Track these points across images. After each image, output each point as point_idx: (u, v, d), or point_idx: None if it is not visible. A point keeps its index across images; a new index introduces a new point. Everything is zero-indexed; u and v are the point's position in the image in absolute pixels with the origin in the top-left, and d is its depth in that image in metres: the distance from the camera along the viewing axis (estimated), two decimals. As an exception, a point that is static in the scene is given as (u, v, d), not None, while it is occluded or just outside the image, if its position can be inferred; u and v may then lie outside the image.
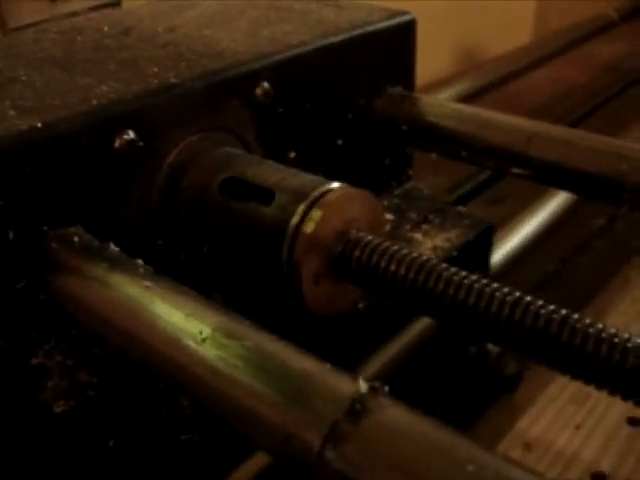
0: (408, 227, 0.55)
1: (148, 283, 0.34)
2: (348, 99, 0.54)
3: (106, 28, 0.52)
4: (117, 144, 0.40)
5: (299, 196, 0.39)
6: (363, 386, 0.27)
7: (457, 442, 0.25)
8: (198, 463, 0.41)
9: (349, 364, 0.31)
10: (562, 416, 0.58)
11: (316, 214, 0.38)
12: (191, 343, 0.31)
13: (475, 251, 0.55)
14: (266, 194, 0.40)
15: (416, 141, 0.57)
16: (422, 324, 0.53)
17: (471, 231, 0.55)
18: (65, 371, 0.40)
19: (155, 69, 0.44)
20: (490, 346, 0.58)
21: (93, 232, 0.39)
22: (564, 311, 0.34)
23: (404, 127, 0.55)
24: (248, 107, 0.46)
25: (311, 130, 0.51)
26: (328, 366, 0.29)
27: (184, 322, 0.32)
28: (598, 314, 0.69)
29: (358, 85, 0.54)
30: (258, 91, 0.46)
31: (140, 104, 0.41)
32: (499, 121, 0.53)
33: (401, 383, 0.47)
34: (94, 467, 0.40)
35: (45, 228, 0.38)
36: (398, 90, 0.57)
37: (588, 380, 0.33)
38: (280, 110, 0.48)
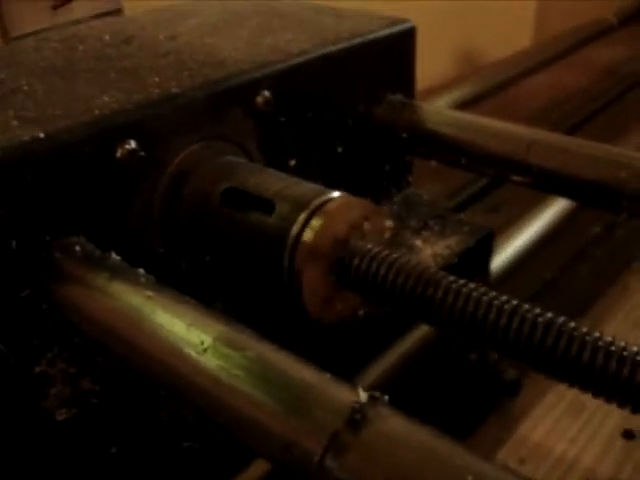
0: (408, 234, 0.56)
1: (150, 293, 0.35)
2: (348, 107, 0.54)
3: (107, 37, 0.53)
4: (119, 154, 0.40)
5: (300, 205, 0.39)
6: (363, 396, 0.27)
7: (456, 452, 0.25)
8: (199, 470, 0.41)
9: (349, 371, 0.31)
10: (557, 428, 0.58)
11: (316, 223, 0.38)
12: (192, 353, 0.31)
13: (475, 258, 0.55)
14: (267, 203, 0.40)
15: (416, 148, 0.57)
16: (421, 332, 0.54)
17: (471, 238, 0.55)
18: (68, 379, 0.40)
19: (156, 78, 0.45)
20: (490, 352, 0.58)
21: (95, 241, 0.39)
22: (561, 319, 0.34)
23: (404, 134, 0.55)
24: (249, 116, 0.47)
25: (312, 138, 0.52)
26: (328, 376, 0.29)
27: (185, 332, 0.32)
28: (597, 321, 0.69)
29: (358, 93, 0.54)
30: (259, 100, 0.47)
31: (142, 114, 0.41)
32: (499, 129, 0.53)
33: (401, 390, 0.48)
34: (96, 474, 0.40)
35: (48, 238, 0.38)
36: (398, 98, 0.57)
37: (585, 388, 0.33)
38: (281, 118, 0.49)
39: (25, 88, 0.43)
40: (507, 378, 0.58)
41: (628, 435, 0.57)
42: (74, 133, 0.38)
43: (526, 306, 0.35)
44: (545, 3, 1.80)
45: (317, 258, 0.39)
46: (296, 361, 0.30)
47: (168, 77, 0.45)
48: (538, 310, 0.35)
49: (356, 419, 0.26)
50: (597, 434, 0.57)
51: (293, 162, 0.50)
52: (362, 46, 0.53)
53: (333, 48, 0.51)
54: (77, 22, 0.58)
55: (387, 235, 0.44)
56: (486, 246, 0.57)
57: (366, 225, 0.40)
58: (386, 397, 0.28)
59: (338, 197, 0.39)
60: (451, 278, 0.37)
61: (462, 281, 0.37)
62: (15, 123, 0.39)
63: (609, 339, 0.33)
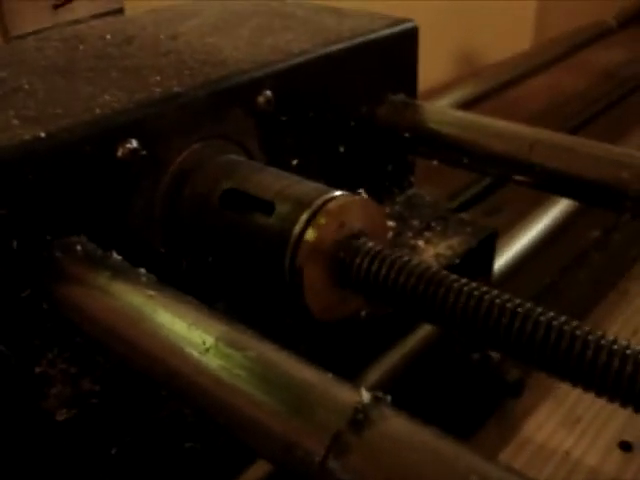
0: (410, 234, 0.55)
1: (151, 292, 0.35)
2: (350, 107, 0.54)
3: (109, 36, 0.53)
4: (120, 153, 0.40)
5: (301, 204, 0.39)
6: (366, 396, 0.27)
7: (460, 452, 0.25)
8: (201, 471, 0.41)
9: (350, 371, 0.31)
10: (553, 440, 0.57)
11: (318, 222, 0.38)
12: (194, 353, 0.31)
13: (478, 258, 0.55)
14: (268, 203, 0.40)
15: (418, 148, 0.57)
16: (423, 332, 0.53)
17: (473, 239, 0.55)
18: (68, 379, 0.40)
19: (158, 78, 0.44)
20: (492, 352, 0.58)
21: (96, 241, 0.39)
22: (563, 318, 0.34)
23: (406, 134, 0.55)
24: (250, 115, 0.46)
25: (313, 138, 0.52)
26: (330, 376, 0.29)
27: (187, 331, 0.32)
28: (597, 326, 0.69)
29: (360, 93, 0.54)
30: (260, 99, 0.47)
31: (143, 113, 0.41)
32: (501, 128, 0.53)
33: (403, 390, 0.48)
34: (96, 475, 0.40)
35: (49, 237, 0.38)
36: (400, 97, 0.57)
37: (588, 387, 0.33)
38: (282, 118, 0.49)
39: (26, 87, 0.43)
40: (510, 379, 0.57)
41: (625, 447, 0.56)
42: (75, 132, 0.38)
43: (528, 305, 0.35)
44: (545, 4, 1.80)
45: (319, 257, 0.38)
46: (298, 361, 0.30)
47: (169, 76, 0.45)
48: (540, 309, 0.35)
49: (359, 419, 0.26)
50: (593, 446, 0.56)
51: (295, 162, 0.50)
52: (364, 46, 0.53)
53: (335, 48, 0.51)
54: (78, 22, 0.57)
55: (389, 235, 0.43)
56: (489, 246, 0.57)
57: (368, 224, 0.40)
58: (389, 397, 0.28)
59: (340, 196, 0.39)
60: (453, 277, 0.37)
61: (464, 280, 0.37)
62: (16, 122, 0.38)
63: (611, 338, 0.33)
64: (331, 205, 0.39)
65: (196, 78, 0.45)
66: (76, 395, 0.40)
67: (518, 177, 0.52)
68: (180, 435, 0.40)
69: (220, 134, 0.45)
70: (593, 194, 0.49)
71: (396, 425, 0.26)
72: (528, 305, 0.35)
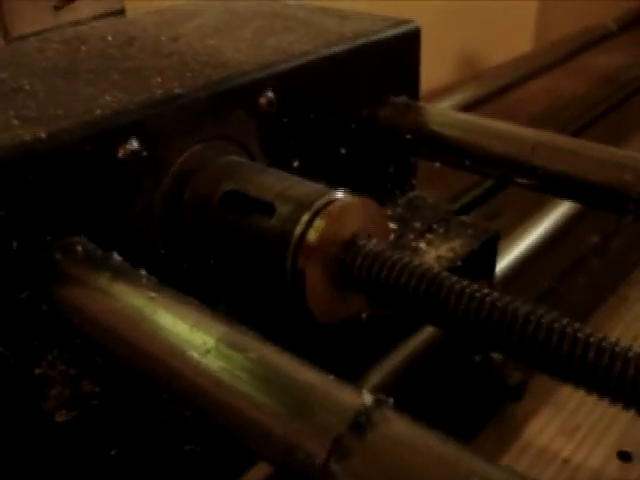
0: (412, 236, 0.55)
1: (152, 293, 0.34)
2: (352, 108, 0.54)
3: (110, 37, 0.52)
4: (121, 154, 0.40)
5: (303, 206, 0.39)
6: (368, 398, 0.27)
7: (462, 455, 0.25)
8: (200, 474, 0.40)
9: (352, 374, 0.31)
10: (550, 449, 0.57)
11: (320, 223, 0.38)
12: (195, 354, 0.31)
13: (479, 261, 0.55)
14: (269, 204, 0.40)
15: (420, 150, 0.57)
16: (424, 335, 0.53)
17: (475, 241, 0.55)
18: (68, 380, 0.40)
19: (159, 79, 0.44)
20: (494, 355, 0.58)
21: (97, 242, 0.39)
22: (565, 320, 0.34)
23: (408, 136, 0.55)
24: (252, 116, 0.46)
25: (315, 139, 0.51)
26: (332, 378, 0.29)
27: (188, 333, 0.32)
28: (596, 332, 0.68)
29: (362, 94, 0.54)
30: (262, 100, 0.46)
31: (144, 114, 0.41)
32: (503, 130, 0.52)
33: (403, 393, 0.47)
34: (96, 476, 0.39)
35: (49, 238, 0.38)
36: (402, 99, 0.56)
37: (589, 389, 0.33)
38: (284, 119, 0.48)
39: (27, 88, 0.43)
40: (511, 382, 0.57)
41: (623, 457, 0.56)
42: (76, 133, 0.38)
43: (530, 307, 0.35)
44: (546, 6, 1.80)
45: (321, 259, 0.38)
46: (299, 363, 0.30)
47: (171, 77, 0.45)
48: (542, 311, 0.34)
49: (361, 422, 0.26)
50: (591, 455, 0.56)
51: (296, 163, 0.50)
52: (366, 47, 0.53)
53: (337, 49, 0.51)
54: (79, 23, 0.57)
55: (391, 236, 0.43)
56: (491, 249, 0.57)
57: (369, 225, 0.40)
58: (391, 400, 0.27)
59: (342, 197, 0.39)
60: (454, 278, 0.37)
61: (465, 281, 0.37)
62: (16, 123, 0.38)
63: (613, 340, 0.33)
64: (332, 206, 0.39)
65: (197, 79, 0.44)
66: (76, 397, 0.40)
67: (520, 179, 0.52)
68: (180, 437, 0.40)
69: (221, 135, 0.45)
70: (595, 196, 0.49)
71: (398, 428, 0.26)
72: (530, 307, 0.35)
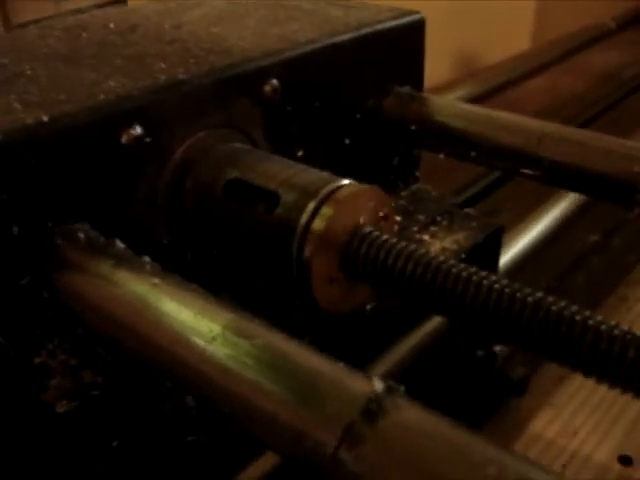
0: (416, 229, 0.55)
1: (156, 280, 0.34)
2: (356, 98, 0.53)
3: (112, 25, 0.52)
4: (124, 139, 0.39)
5: (308, 194, 0.38)
6: (379, 385, 0.26)
7: (475, 442, 0.25)
8: (204, 465, 0.40)
9: (356, 365, 0.30)
10: (549, 453, 0.56)
11: (326, 212, 0.37)
12: (200, 342, 0.30)
13: (484, 254, 0.55)
14: (273, 193, 0.39)
15: (424, 141, 0.56)
16: (428, 327, 0.53)
17: (480, 233, 0.54)
18: (68, 370, 0.39)
19: (163, 65, 0.44)
20: (497, 350, 0.57)
21: (99, 229, 0.38)
22: (575, 308, 0.33)
23: (412, 127, 0.54)
24: (256, 104, 0.46)
25: (319, 128, 0.51)
26: (341, 365, 0.28)
27: (193, 320, 0.31)
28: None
29: (366, 84, 0.54)
30: (266, 88, 0.46)
31: (148, 100, 0.40)
32: (509, 121, 0.52)
33: (407, 386, 0.47)
34: (97, 468, 0.39)
35: (50, 224, 0.37)
36: (406, 90, 0.56)
37: (600, 377, 0.33)
38: (288, 108, 0.48)
39: (28, 73, 0.42)
40: (515, 376, 0.57)
41: (624, 461, 0.55)
42: (79, 117, 0.37)
43: (539, 294, 0.34)
44: (544, 5, 1.80)
45: (327, 248, 0.38)
46: (307, 350, 0.29)
47: (174, 64, 0.44)
48: (551, 298, 0.34)
49: (372, 409, 0.25)
50: (591, 459, 0.55)
51: (300, 152, 0.49)
52: (370, 36, 0.52)
53: (341, 38, 0.51)
54: (80, 11, 0.57)
55: (396, 225, 0.43)
56: (495, 242, 0.57)
57: (376, 213, 0.40)
58: (402, 387, 0.27)
59: (348, 185, 0.38)
60: (461, 266, 0.37)
61: (472, 269, 0.36)
62: (18, 106, 0.38)
63: (625, 328, 0.32)
64: (339, 194, 0.38)
65: (201, 66, 0.44)
66: (77, 387, 0.39)
67: (526, 171, 0.51)
68: (183, 428, 0.40)
69: (225, 123, 0.44)
70: (602, 188, 0.48)
71: (410, 415, 0.25)
72: (538, 294, 0.34)
